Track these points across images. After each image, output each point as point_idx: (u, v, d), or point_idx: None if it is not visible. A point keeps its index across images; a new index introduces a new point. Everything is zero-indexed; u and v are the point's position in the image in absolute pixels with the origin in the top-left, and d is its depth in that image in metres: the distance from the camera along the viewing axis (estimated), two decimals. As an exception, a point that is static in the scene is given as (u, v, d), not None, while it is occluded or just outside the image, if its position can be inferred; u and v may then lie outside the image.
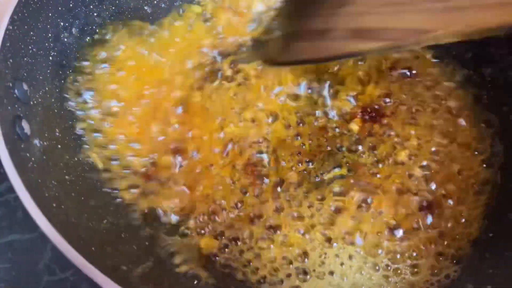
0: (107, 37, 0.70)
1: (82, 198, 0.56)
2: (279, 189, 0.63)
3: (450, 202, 0.62)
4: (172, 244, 0.59)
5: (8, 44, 0.53)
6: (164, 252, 0.59)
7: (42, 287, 0.65)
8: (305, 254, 0.59)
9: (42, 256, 0.66)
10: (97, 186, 0.61)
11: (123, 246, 0.55)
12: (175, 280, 0.57)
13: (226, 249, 0.60)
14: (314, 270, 0.58)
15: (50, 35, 0.61)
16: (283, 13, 0.72)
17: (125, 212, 0.60)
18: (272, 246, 0.60)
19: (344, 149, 0.65)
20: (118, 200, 0.61)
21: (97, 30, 0.68)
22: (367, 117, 0.68)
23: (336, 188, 0.63)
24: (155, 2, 0.75)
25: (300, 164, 0.65)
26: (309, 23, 0.63)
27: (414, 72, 0.71)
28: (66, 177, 0.57)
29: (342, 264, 0.59)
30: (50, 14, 0.61)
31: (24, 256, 0.67)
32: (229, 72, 0.71)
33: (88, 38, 0.67)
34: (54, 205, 0.51)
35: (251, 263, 0.59)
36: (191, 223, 0.61)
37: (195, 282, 0.57)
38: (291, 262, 0.59)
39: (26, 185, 0.46)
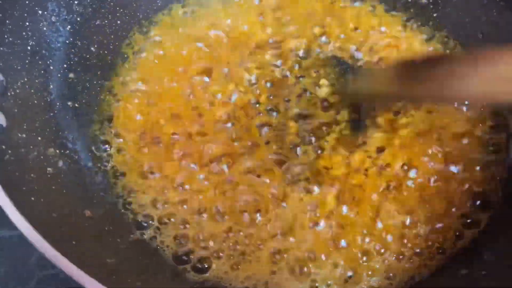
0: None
1: (64, 191, 0.55)
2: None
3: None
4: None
5: (-19, 34, 0.51)
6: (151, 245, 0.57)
7: (34, 282, 0.64)
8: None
9: (33, 252, 0.65)
10: (81, 179, 0.59)
11: (106, 239, 0.54)
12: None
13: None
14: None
15: (27, 23, 0.59)
16: None
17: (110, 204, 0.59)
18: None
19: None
20: (102, 193, 0.60)
21: (78, 19, 0.65)
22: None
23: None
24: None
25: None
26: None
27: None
28: (48, 169, 0.55)
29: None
30: (27, 2, 0.59)
31: (15, 252, 0.65)
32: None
33: (69, 27, 0.64)
34: (33, 198, 0.49)
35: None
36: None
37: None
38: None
39: (1, 178, 0.45)
